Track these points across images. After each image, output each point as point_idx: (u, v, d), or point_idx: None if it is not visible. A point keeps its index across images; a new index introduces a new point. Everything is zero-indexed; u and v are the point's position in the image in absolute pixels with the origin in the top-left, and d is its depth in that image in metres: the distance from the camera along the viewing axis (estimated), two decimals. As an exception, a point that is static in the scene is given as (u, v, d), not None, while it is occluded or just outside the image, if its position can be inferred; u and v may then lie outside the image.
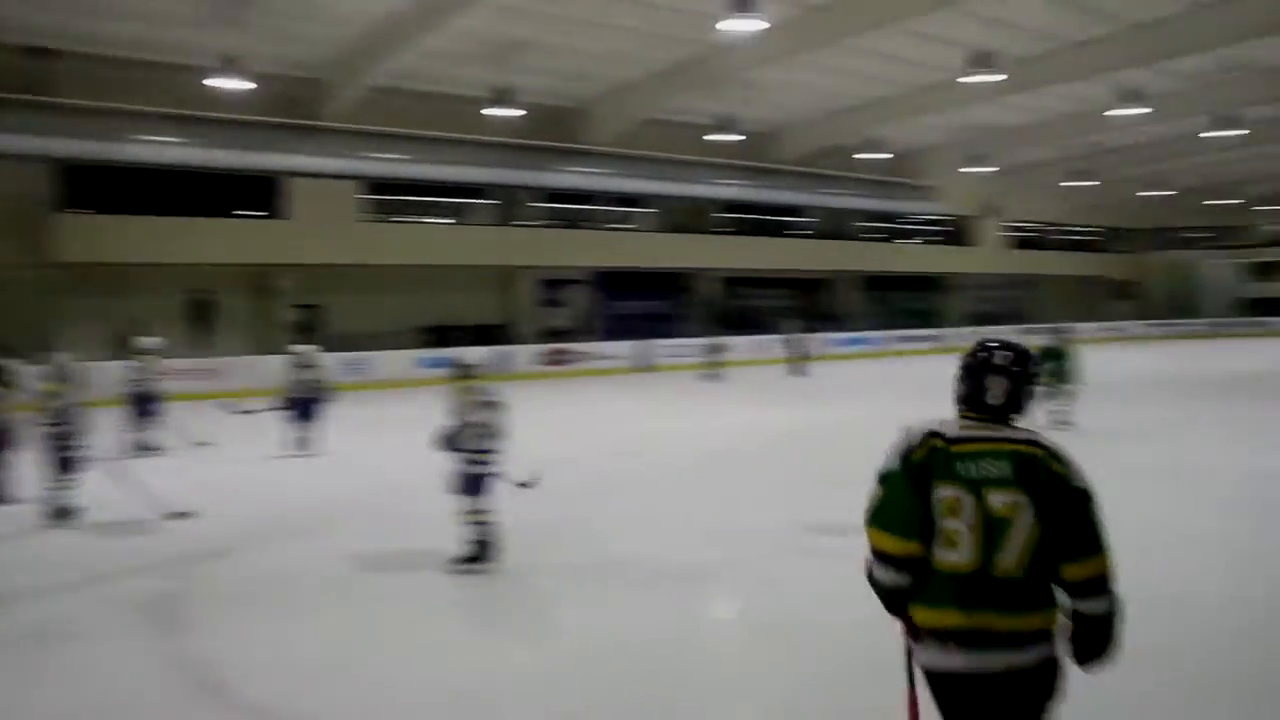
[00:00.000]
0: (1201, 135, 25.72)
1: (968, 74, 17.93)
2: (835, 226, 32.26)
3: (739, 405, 16.39)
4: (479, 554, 6.10)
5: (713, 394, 18.45)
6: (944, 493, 2.37)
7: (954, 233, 36.24)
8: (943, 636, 2.33)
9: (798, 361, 23.07)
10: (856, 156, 26.83)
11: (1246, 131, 24.26)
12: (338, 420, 11.37)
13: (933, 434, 2.44)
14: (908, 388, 19.00)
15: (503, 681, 4.35)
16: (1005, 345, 2.58)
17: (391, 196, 23.22)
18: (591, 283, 26.91)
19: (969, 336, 33.58)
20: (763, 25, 15.00)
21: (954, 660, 2.32)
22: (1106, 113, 22.88)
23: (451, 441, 6.18)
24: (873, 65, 20.79)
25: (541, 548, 6.48)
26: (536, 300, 25.97)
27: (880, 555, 2.46)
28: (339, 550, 6.58)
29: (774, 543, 6.56)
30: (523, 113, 19.84)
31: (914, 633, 2.41)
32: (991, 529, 2.33)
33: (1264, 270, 42.51)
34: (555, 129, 23.45)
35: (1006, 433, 2.45)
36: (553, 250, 25.02)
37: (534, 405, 16.73)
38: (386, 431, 12.66)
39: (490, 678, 4.37)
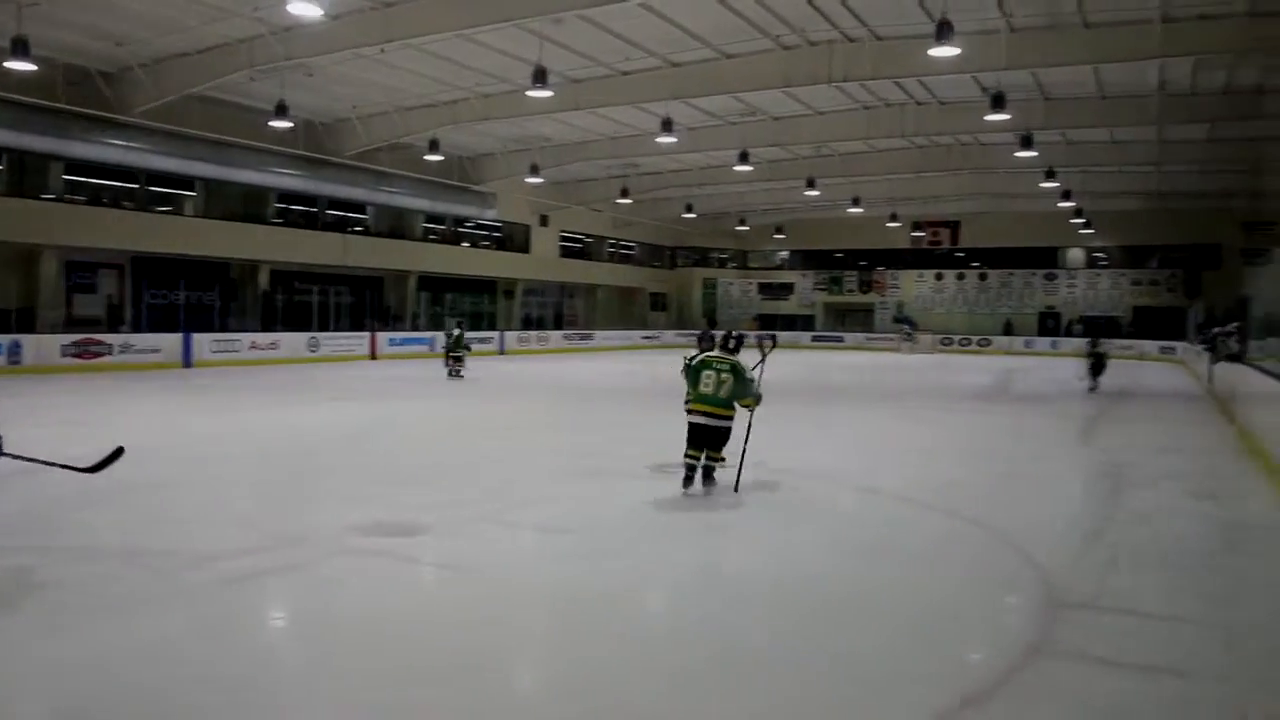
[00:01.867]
0: (723, 167, 29.26)
1: (527, 88, 18.82)
2: (397, 225, 32.20)
3: (300, 403, 15.88)
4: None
5: (268, 389, 17.68)
6: (707, 371, 8.08)
7: (512, 239, 37.67)
8: (695, 411, 8.15)
9: (456, 358, 23.09)
10: (423, 158, 27.00)
11: (750, 168, 27.77)
12: None
13: (706, 357, 8.26)
14: (462, 388, 19.57)
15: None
16: (729, 333, 8.57)
17: None
18: (127, 268, 24.49)
19: (531, 340, 35.39)
20: (319, 12, 14.69)
21: (698, 418, 8.13)
22: (649, 138, 25.21)
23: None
24: (440, 68, 21.09)
25: (66, 549, 5.92)
26: (63, 284, 23.13)
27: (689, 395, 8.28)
28: None
29: (334, 545, 6.50)
30: (34, 68, 17.12)
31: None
32: (721, 384, 8.01)
33: (770, 289, 49.15)
34: (85, 93, 21.03)
35: (730, 357, 8.23)
36: (83, 229, 22.41)
37: (59, 400, 15.13)
38: None
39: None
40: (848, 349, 42.97)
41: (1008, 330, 42.78)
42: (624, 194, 35.06)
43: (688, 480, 8.26)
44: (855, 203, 36.70)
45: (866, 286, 47.20)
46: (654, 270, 47.87)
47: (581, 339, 38.91)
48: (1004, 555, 6.60)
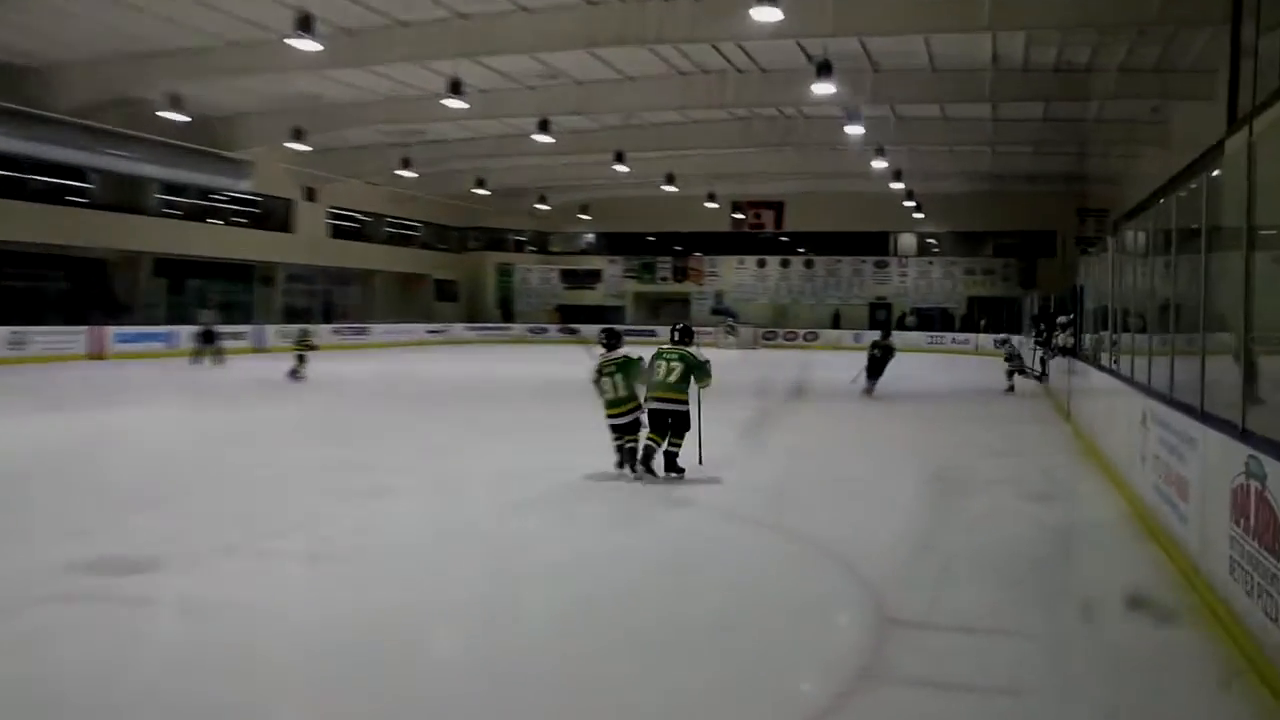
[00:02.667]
0: (520, 137, 29.21)
1: (289, 37, 18.17)
2: (128, 197, 30.46)
3: (1, 414, 14.83)
4: None
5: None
6: (659, 362, 9.85)
7: (271, 216, 36.44)
8: (653, 399, 9.79)
9: (211, 355, 22.06)
10: (162, 115, 25.57)
11: (551, 139, 27.87)
12: None
13: (659, 349, 10.10)
14: (208, 390, 18.80)
15: None
16: (675, 325, 10.64)
17: None
18: None
19: (288, 334, 34.30)
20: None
21: (655, 405, 9.76)
22: (434, 101, 24.81)
23: None
24: (183, 9, 20.01)
25: None
26: None
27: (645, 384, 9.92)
28: None
29: (43, 588, 6.09)
30: None
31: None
32: (671, 371, 9.75)
33: (574, 277, 49.47)
34: None
35: (681, 347, 10.03)
36: None
37: None
38: None
39: None
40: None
41: (836, 322, 44.66)
42: (405, 165, 34.45)
43: (647, 456, 9.76)
44: (669, 180, 37.40)
45: (682, 274, 48.25)
46: (440, 254, 47.37)
47: (355, 334, 38.04)
48: (829, 571, 6.86)
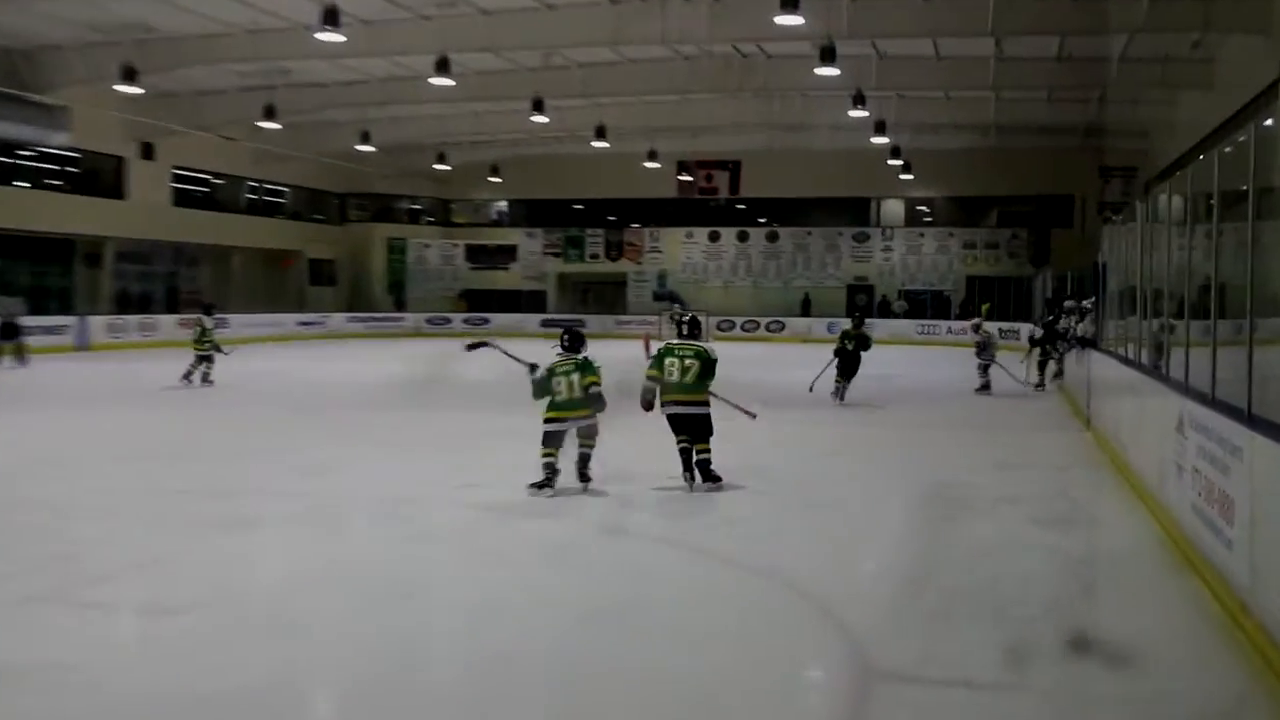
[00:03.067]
0: (414, 79, 28.95)
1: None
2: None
3: None
4: None
5: None
6: (670, 358, 10.77)
7: (98, 177, 35.91)
8: (668, 402, 10.70)
9: (10, 352, 21.97)
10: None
11: (452, 82, 27.66)
12: None
13: (668, 344, 11.20)
14: (10, 397, 18.46)
15: None
16: (682, 318, 12.57)
17: None
18: None
19: (130, 330, 33.81)
20: None
21: (672, 409, 10.69)
22: (304, 34, 24.48)
23: None
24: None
25: None
26: None
27: (650, 379, 10.79)
28: None
29: None
30: None
31: (650, 406, 10.80)
32: (685, 369, 10.68)
33: (484, 255, 49.31)
34: None
35: (693, 342, 11.09)
36: None
37: None
38: None
39: None
40: (592, 337, 43.57)
41: (806, 309, 44.94)
42: (269, 115, 33.92)
43: (686, 470, 10.70)
44: (600, 134, 37.25)
45: (617, 251, 48.29)
46: (316, 227, 47.03)
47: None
48: (802, 614, 6.89)
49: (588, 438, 10.45)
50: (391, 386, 22.68)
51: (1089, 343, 17.70)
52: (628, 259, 48.12)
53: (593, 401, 10.32)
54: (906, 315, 42.89)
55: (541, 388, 10.51)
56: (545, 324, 45.58)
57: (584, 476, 10.40)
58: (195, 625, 6.51)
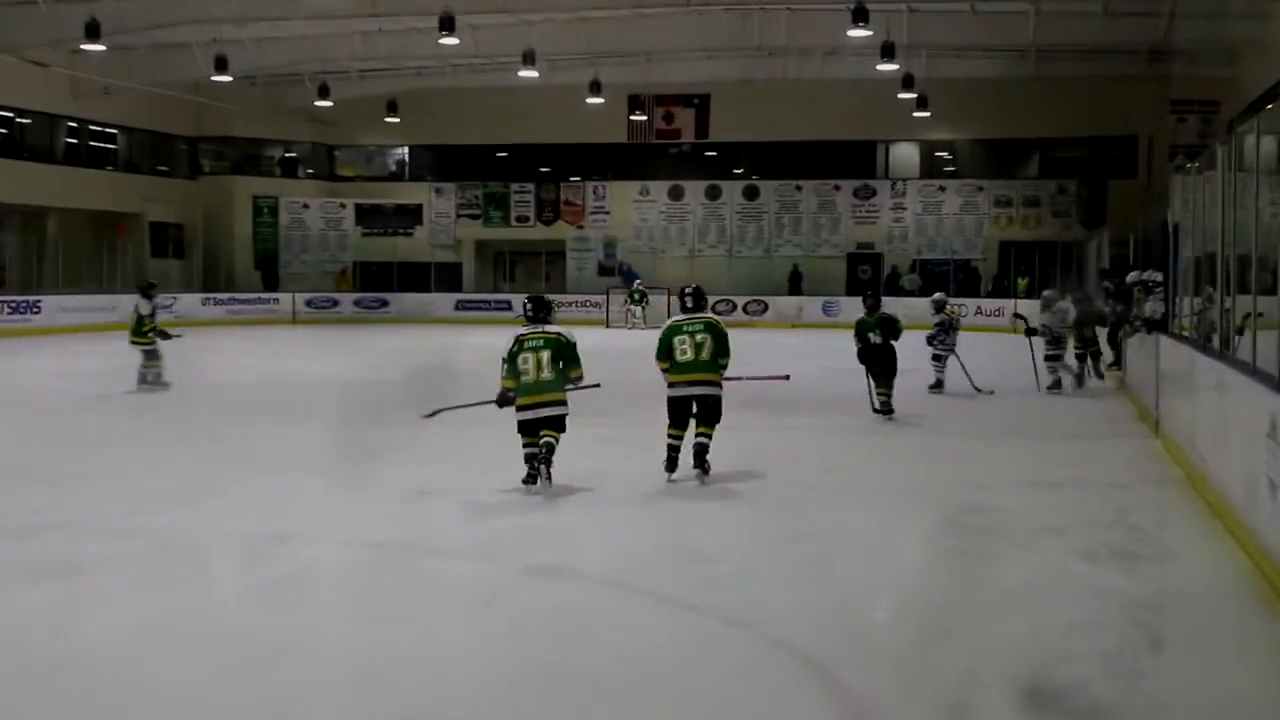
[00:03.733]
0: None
1: None
2: None
3: None
4: None
5: None
6: (680, 336, 12.38)
7: None
8: (677, 384, 12.34)
9: None
10: None
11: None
12: None
13: (673, 323, 12.64)
14: None
15: None
16: (684, 289, 13.48)
17: None
18: None
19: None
20: None
21: (680, 390, 12.32)
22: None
23: None
24: None
25: None
26: None
27: (663, 368, 12.47)
28: None
29: None
30: None
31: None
32: (699, 346, 12.26)
33: (378, 217, 49.05)
34: None
35: (699, 315, 12.76)
36: None
37: None
38: None
39: None
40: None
41: (796, 284, 44.98)
42: (92, 33, 33.63)
43: (670, 464, 12.17)
44: (528, 61, 37.13)
45: (551, 212, 48.25)
46: (158, 181, 46.91)
47: (15, 311, 37.21)
48: (788, 678, 6.87)
49: (554, 428, 11.63)
50: (259, 387, 22.54)
51: (1157, 325, 17.77)
52: (566, 222, 48.13)
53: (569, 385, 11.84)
54: (922, 292, 42.93)
55: (510, 369, 11.76)
56: (461, 306, 45.54)
57: (534, 474, 11.48)
58: (5, 702, 6.43)
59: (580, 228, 47.89)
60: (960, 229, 45.18)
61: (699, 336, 12.22)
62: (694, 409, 12.21)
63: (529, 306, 12.29)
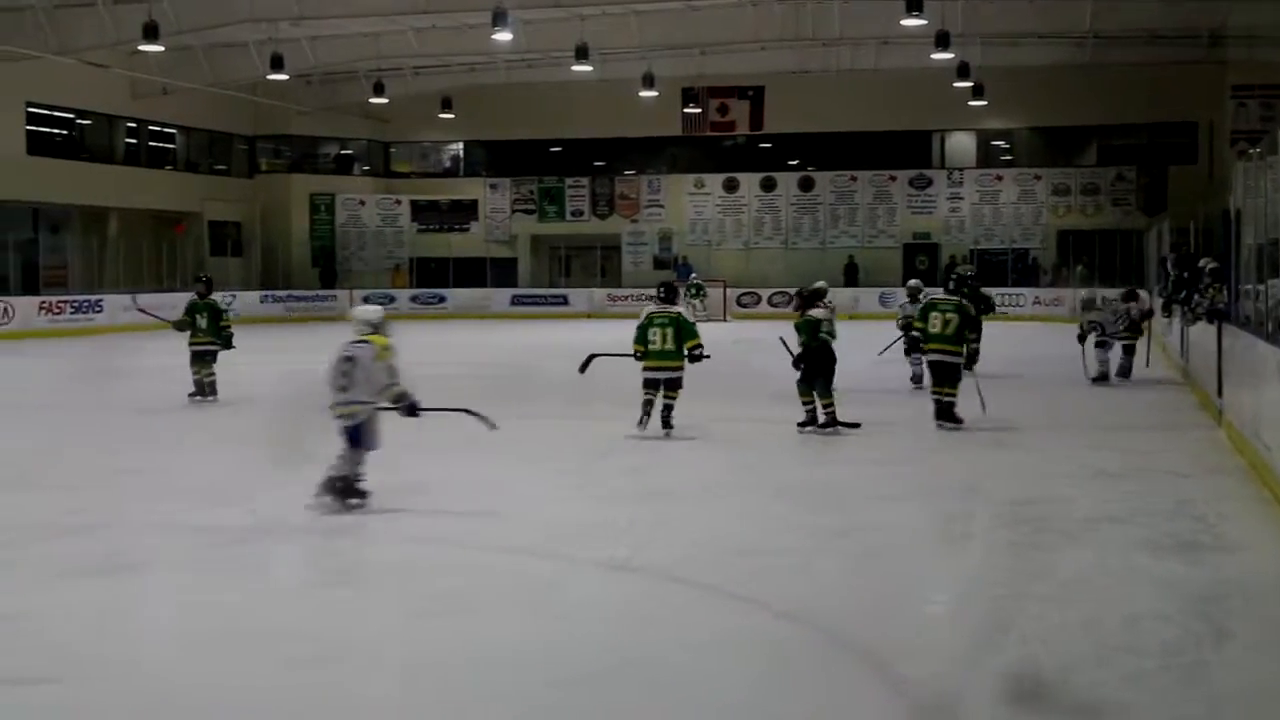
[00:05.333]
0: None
1: None
2: None
3: None
4: None
5: None
6: (651, 329, 15.30)
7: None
8: (651, 368, 15.36)
9: None
10: None
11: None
12: None
13: (650, 312, 15.56)
14: None
15: None
16: (661, 284, 16.62)
17: None
18: None
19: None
20: None
21: (653, 374, 15.27)
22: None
23: None
24: None
25: None
26: None
27: (638, 351, 15.48)
28: None
29: None
30: None
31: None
32: (665, 336, 15.20)
33: (434, 213, 49.17)
34: None
35: (670, 309, 15.76)
36: None
37: None
38: None
39: None
40: (575, 316, 43.44)
41: (852, 276, 44.81)
42: (150, 34, 33.83)
43: (644, 419, 14.94)
44: (581, 55, 37.07)
45: (606, 206, 48.15)
46: (217, 181, 47.20)
47: (78, 310, 37.44)
48: (846, 671, 6.83)
49: (672, 390, 14.94)
50: (319, 384, 22.60)
51: (1220, 314, 17.60)
52: (621, 216, 48.04)
53: (692, 359, 15.04)
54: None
55: (640, 337, 15.09)
56: (518, 301, 45.54)
57: (667, 423, 14.85)
58: (57, 700, 6.44)
59: (635, 221, 47.86)
60: (1018, 218, 44.97)
61: (667, 330, 15.01)
62: (661, 388, 15.03)
63: (661, 290, 15.88)
